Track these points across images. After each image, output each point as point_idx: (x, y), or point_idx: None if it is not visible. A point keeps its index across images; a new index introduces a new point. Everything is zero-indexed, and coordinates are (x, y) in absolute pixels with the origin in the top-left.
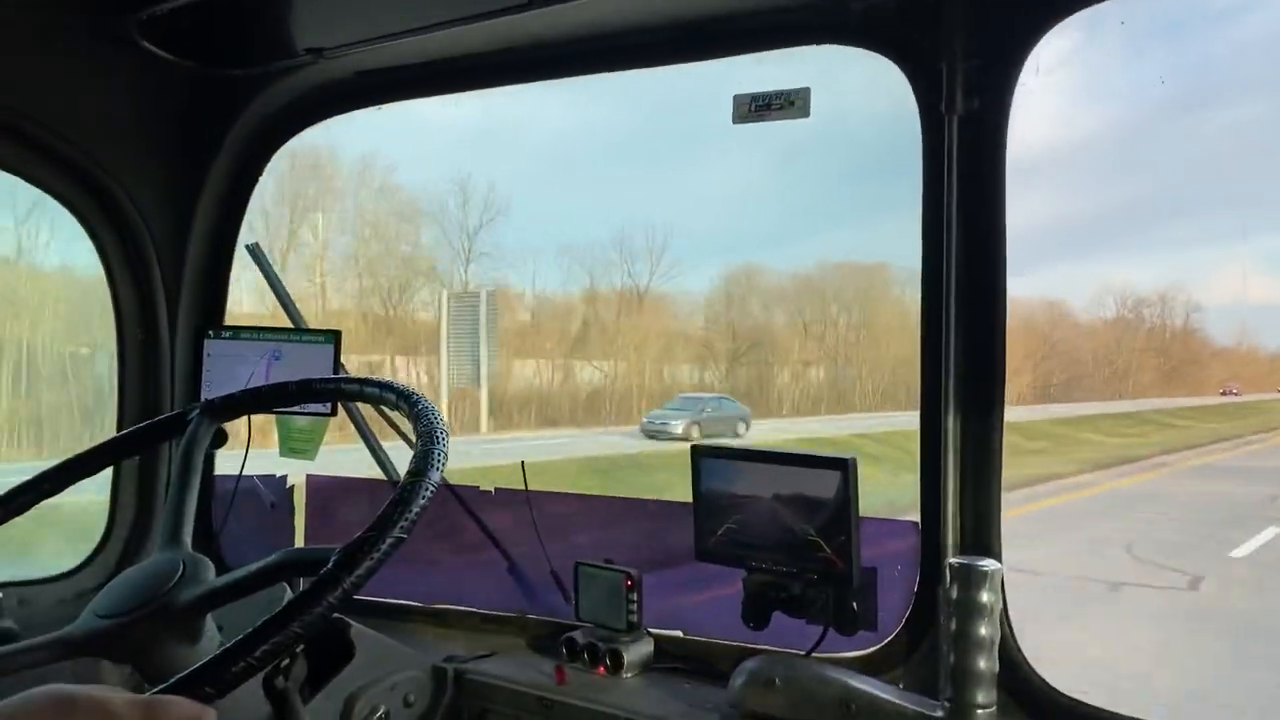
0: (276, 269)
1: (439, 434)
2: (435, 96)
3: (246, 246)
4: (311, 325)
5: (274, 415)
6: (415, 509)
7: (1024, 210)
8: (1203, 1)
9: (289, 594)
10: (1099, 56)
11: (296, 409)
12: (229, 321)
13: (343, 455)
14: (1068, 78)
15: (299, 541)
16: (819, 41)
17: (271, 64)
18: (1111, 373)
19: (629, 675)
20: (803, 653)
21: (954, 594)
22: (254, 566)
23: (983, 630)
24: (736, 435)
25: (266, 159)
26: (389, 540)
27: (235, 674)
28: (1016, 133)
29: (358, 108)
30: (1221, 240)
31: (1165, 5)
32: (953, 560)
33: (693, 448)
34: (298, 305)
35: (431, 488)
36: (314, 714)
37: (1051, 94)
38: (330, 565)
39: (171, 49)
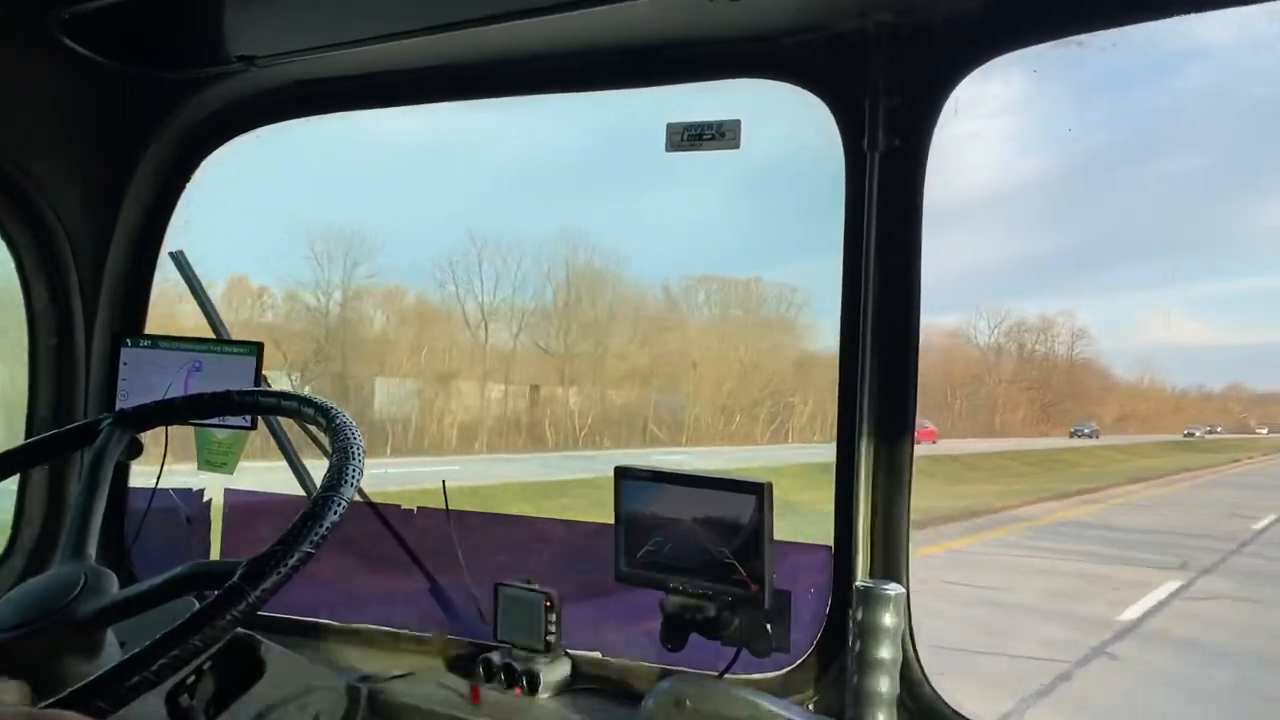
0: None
1: (354, 450)
2: (373, 110)
3: (170, 254)
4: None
5: (193, 427)
6: (326, 525)
7: (960, 250)
8: (1145, 51)
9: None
10: (1045, 103)
11: (215, 421)
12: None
13: (270, 474)
14: (1013, 123)
15: (215, 557)
16: (751, 75)
17: (202, 69)
18: (971, 405)
19: (545, 696)
20: (716, 674)
21: (859, 616)
22: (158, 579)
23: (885, 653)
24: None
25: (195, 165)
26: (297, 555)
27: (130, 688)
28: (959, 173)
29: (292, 117)
30: (1152, 285)
31: (1105, 54)
32: (858, 584)
33: (616, 469)
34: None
35: (344, 504)
36: None
37: (996, 139)
38: (235, 578)
39: (97, 49)
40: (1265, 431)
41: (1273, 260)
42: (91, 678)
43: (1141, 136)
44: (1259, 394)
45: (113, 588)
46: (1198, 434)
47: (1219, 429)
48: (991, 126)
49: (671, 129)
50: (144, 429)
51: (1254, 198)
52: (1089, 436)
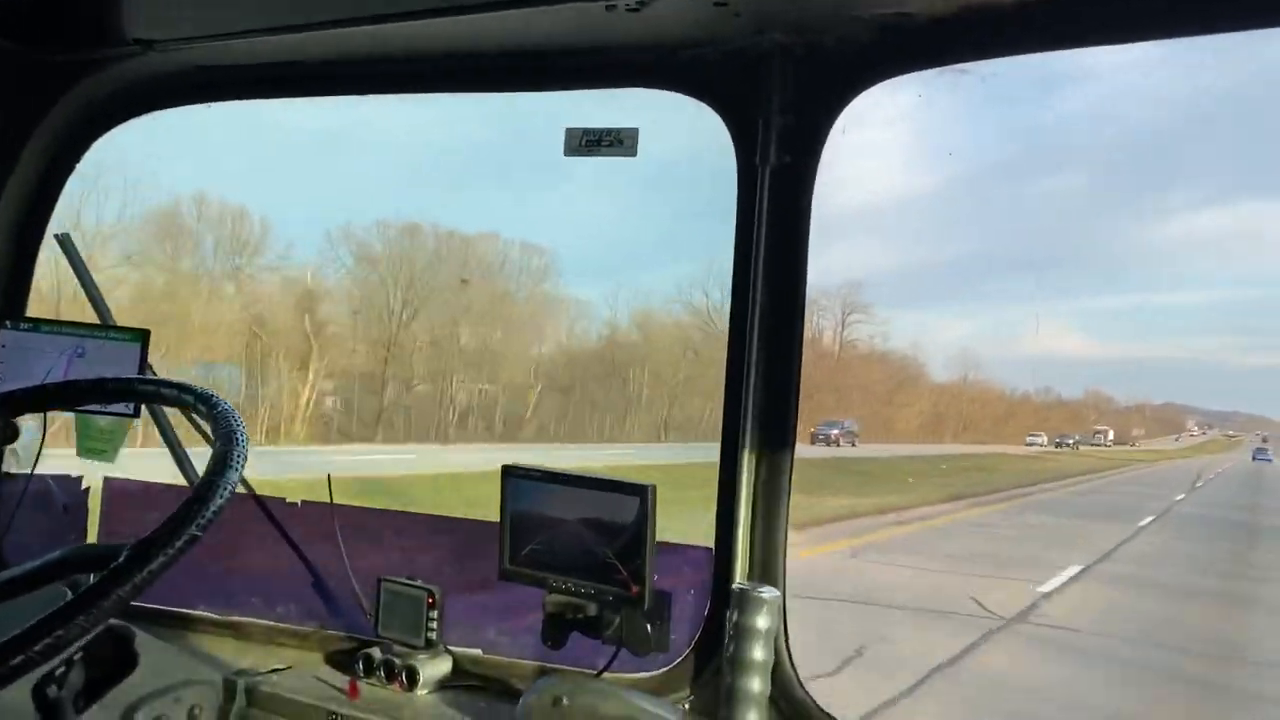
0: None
1: (238, 436)
2: (272, 99)
3: (55, 237)
4: None
5: (75, 414)
6: (211, 508)
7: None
8: (1036, 69)
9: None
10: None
11: (96, 408)
12: None
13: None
14: (907, 132)
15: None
16: (649, 85)
17: (97, 51)
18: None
19: (423, 692)
20: (594, 673)
21: (735, 618)
22: (37, 562)
23: (758, 654)
24: None
25: (85, 149)
26: (184, 538)
27: (13, 669)
28: (849, 186)
29: (190, 103)
30: (1029, 299)
31: (997, 72)
32: (735, 586)
33: (504, 468)
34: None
35: (229, 488)
36: None
37: (889, 151)
38: (121, 559)
39: None
40: (1112, 440)
41: (1142, 279)
42: None
43: (1029, 154)
44: (1122, 407)
45: None
46: (1040, 442)
47: (1073, 439)
48: (883, 138)
49: (570, 133)
50: (17, 414)
51: (1130, 217)
52: (834, 443)
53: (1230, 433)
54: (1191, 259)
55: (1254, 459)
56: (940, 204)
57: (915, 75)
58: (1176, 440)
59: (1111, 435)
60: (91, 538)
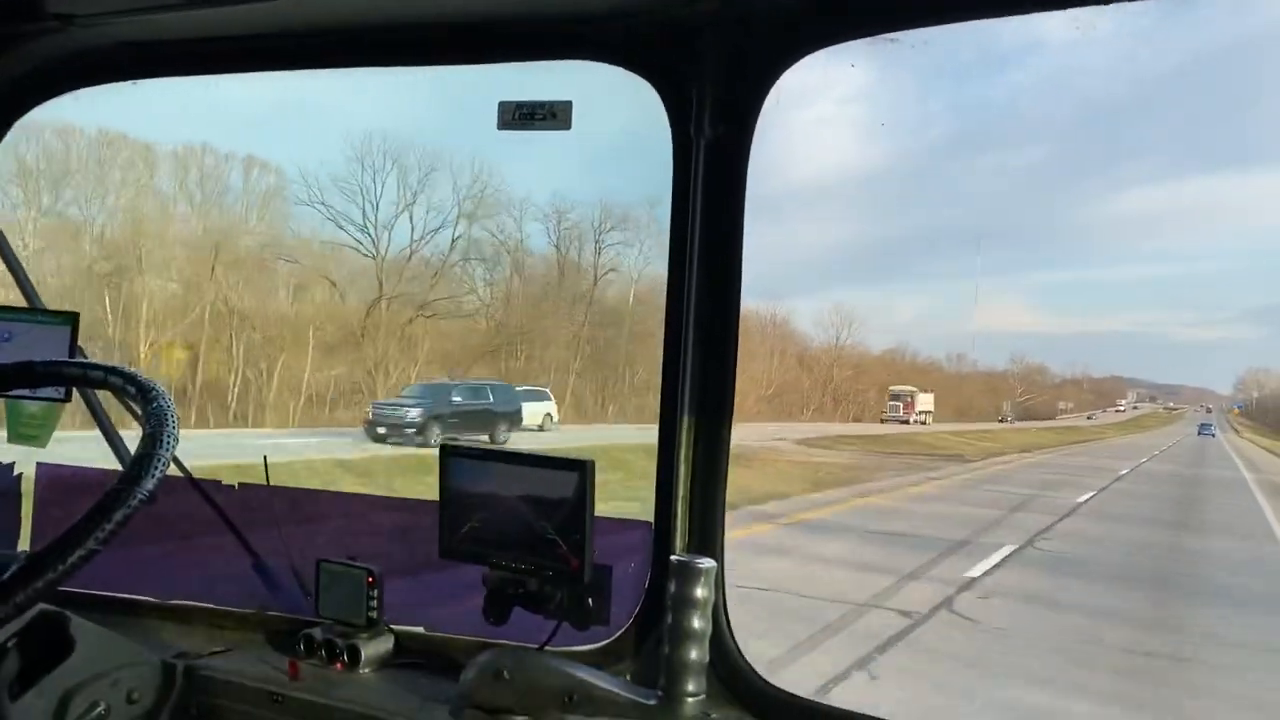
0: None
1: (165, 437)
2: (198, 76)
3: None
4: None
5: (4, 399)
6: (116, 519)
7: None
8: (988, 43)
9: None
10: (888, 93)
11: (26, 393)
12: None
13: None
14: (859, 110)
15: (23, 535)
16: (582, 57)
17: (12, 26)
18: None
19: (366, 670)
20: (536, 647)
21: (673, 589)
22: None
23: (696, 623)
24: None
25: (4, 129)
26: (78, 554)
27: None
28: (787, 162)
29: (112, 80)
30: (979, 273)
31: (929, 39)
32: (674, 558)
33: (442, 446)
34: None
35: (140, 496)
36: (23, 712)
37: (841, 126)
38: (5, 578)
39: None
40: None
41: (1090, 254)
42: None
43: (982, 128)
44: (1057, 381)
45: None
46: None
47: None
48: (832, 113)
49: (504, 107)
50: None
51: (1082, 194)
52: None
53: (1170, 405)
54: (1140, 235)
55: (1199, 434)
56: (881, 181)
57: (849, 45)
58: (1089, 418)
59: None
60: (25, 526)
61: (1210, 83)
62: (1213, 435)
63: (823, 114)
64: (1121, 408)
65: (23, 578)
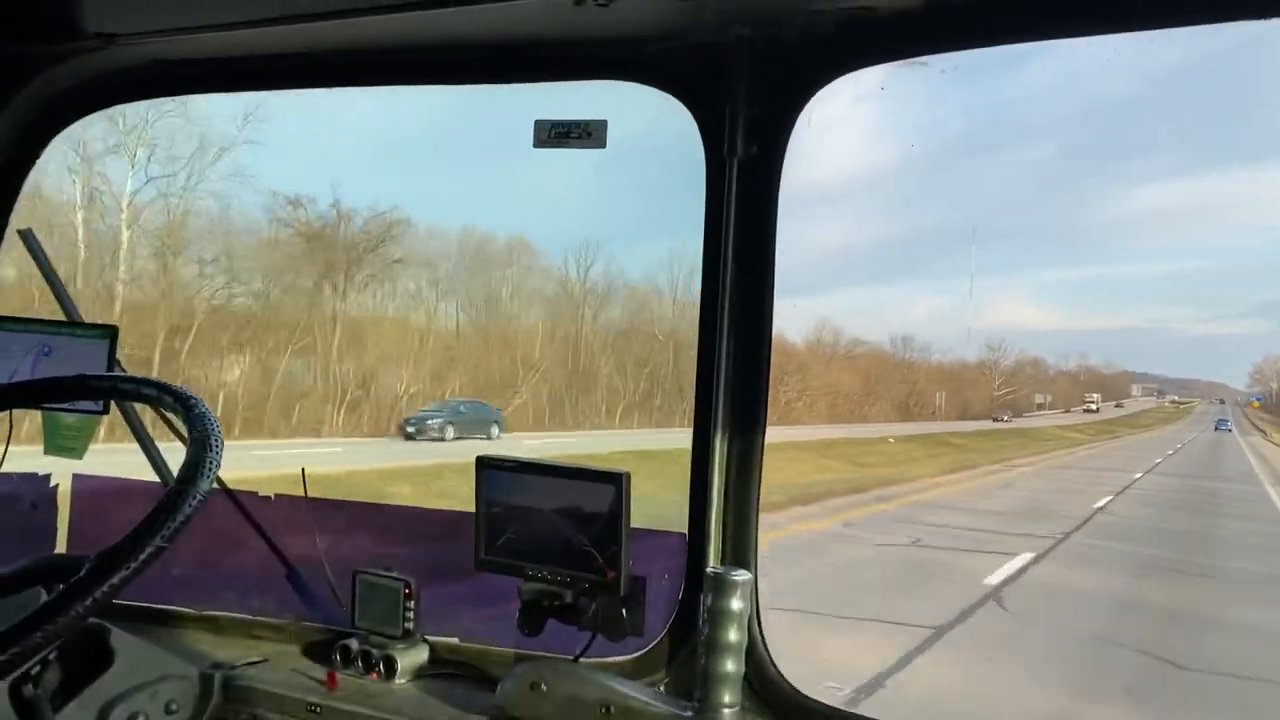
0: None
1: (212, 441)
2: (236, 94)
3: (19, 232)
4: None
5: (43, 412)
6: (179, 518)
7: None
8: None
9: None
10: (902, 94)
11: (65, 405)
12: None
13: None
14: (876, 108)
15: (60, 545)
16: (617, 78)
17: (57, 44)
18: None
19: (402, 681)
20: (571, 658)
21: (709, 601)
22: (3, 571)
23: (732, 636)
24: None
25: (45, 142)
26: (148, 550)
27: None
28: (812, 167)
29: (152, 97)
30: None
31: (959, 65)
32: (709, 570)
33: (478, 459)
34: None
35: (199, 497)
36: None
37: (855, 127)
38: (82, 574)
39: None
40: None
41: (1106, 250)
42: None
43: (996, 126)
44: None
45: None
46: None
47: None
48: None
49: (539, 126)
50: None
51: (1091, 191)
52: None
53: (1176, 399)
54: (1155, 231)
55: (1216, 429)
56: (903, 184)
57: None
58: (1039, 405)
59: None
60: (61, 537)
61: (1223, 78)
62: (1229, 430)
63: (837, 117)
64: (1092, 404)
65: (99, 574)
